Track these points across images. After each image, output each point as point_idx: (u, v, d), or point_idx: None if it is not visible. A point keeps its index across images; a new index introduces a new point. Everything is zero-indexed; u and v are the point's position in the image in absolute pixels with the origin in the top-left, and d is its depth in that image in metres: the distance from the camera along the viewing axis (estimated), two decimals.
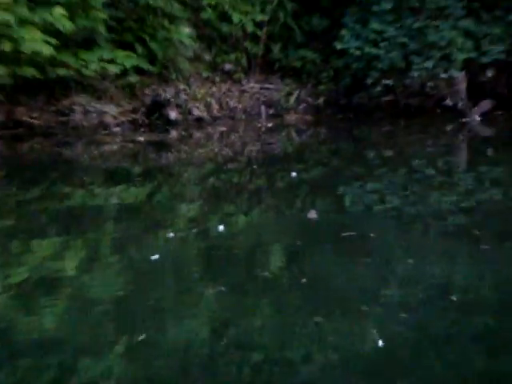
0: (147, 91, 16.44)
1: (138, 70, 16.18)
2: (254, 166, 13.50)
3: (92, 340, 6.36)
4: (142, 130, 15.95)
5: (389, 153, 14.17)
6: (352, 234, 8.71)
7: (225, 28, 17.06)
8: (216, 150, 14.89)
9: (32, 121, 15.66)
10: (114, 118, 16.01)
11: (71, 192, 11.71)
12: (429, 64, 16.14)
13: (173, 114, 16.27)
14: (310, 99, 17.63)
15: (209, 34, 17.34)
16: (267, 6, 17.09)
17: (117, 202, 11.22)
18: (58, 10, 14.42)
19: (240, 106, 17.20)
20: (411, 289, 7.54)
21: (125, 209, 10.83)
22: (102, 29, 15.50)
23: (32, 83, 15.23)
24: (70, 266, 8.36)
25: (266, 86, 17.66)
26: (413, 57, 16.24)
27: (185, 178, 13.00)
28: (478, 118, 16.47)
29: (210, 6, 16.87)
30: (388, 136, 15.60)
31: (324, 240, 8.99)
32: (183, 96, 16.53)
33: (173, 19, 16.38)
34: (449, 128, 16.00)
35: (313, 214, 9.62)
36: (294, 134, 16.06)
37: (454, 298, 7.00)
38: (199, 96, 16.68)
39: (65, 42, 14.97)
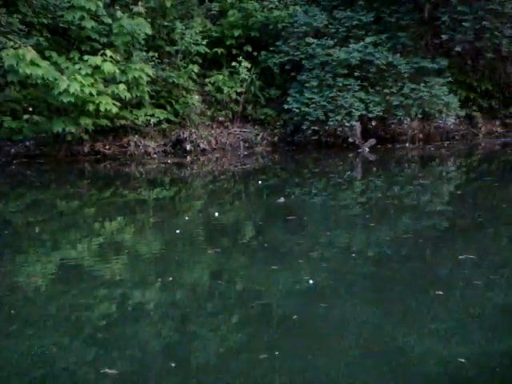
0: (173, 133, 16.83)
1: (168, 121, 16.61)
2: (237, 177, 14.44)
3: (143, 275, 7.37)
4: (170, 156, 16.38)
5: (315, 169, 14.69)
6: (294, 217, 9.77)
7: (219, 96, 17.40)
8: (213, 168, 15.66)
9: (105, 151, 16.11)
10: (153, 149, 16.37)
11: (128, 192, 12.68)
12: (338, 117, 16.61)
13: (188, 146, 16.67)
14: (269, 138, 17.87)
15: (209, 99, 17.68)
16: (244, 82, 17.42)
17: (155, 197, 12.25)
18: (122, 86, 14.99)
19: (228, 141, 17.48)
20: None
21: (159, 202, 11.81)
22: (146, 96, 16.02)
23: (105, 129, 15.72)
24: (129, 231, 9.45)
25: (244, 130, 17.84)
26: (329, 113, 16.68)
27: (194, 185, 13.92)
28: (367, 150, 16.96)
29: (209, 82, 17.51)
30: (315, 160, 16.06)
31: (276, 218, 10.05)
32: (194, 136, 16.87)
33: (188, 90, 16.88)
34: (350, 155, 16.45)
35: (281, 199, 10.73)
36: (260, 159, 16.48)
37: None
38: (203, 136, 17.05)
39: (125, 104, 15.51)
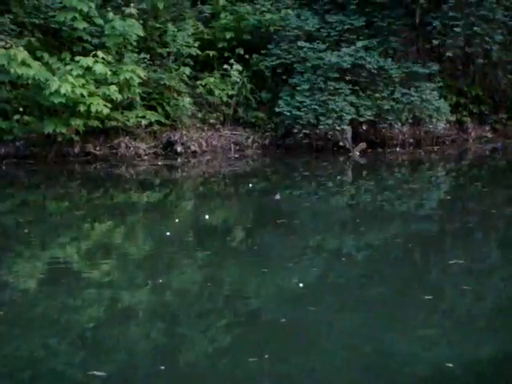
0: (164, 135, 16.65)
1: (159, 123, 16.41)
2: (227, 180, 14.48)
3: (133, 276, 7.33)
4: (161, 158, 16.21)
5: (306, 173, 14.61)
6: (284, 220, 9.79)
7: (210, 98, 17.24)
8: (204, 170, 15.63)
9: (95, 152, 15.88)
10: (144, 150, 16.18)
11: (118, 194, 12.67)
12: (329, 121, 16.49)
13: (179, 148, 16.42)
14: (260, 141, 17.73)
15: (200, 101, 17.50)
16: (235, 85, 17.32)
17: (145, 199, 12.24)
18: (113, 87, 14.78)
19: (219, 144, 17.32)
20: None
21: (149, 204, 11.81)
22: (137, 98, 15.88)
23: (96, 130, 15.52)
24: (119, 233, 9.45)
25: (235, 132, 17.68)
26: (320, 117, 16.56)
27: (185, 187, 13.93)
28: (357, 154, 16.88)
29: (201, 85, 17.41)
30: (305, 163, 15.99)
31: (267, 221, 10.08)
32: (185, 138, 16.65)
33: (179, 93, 16.70)
34: (341, 159, 16.45)
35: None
36: (250, 162, 16.46)
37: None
38: (194, 138, 16.88)
39: (116, 106, 15.32)
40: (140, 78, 15.47)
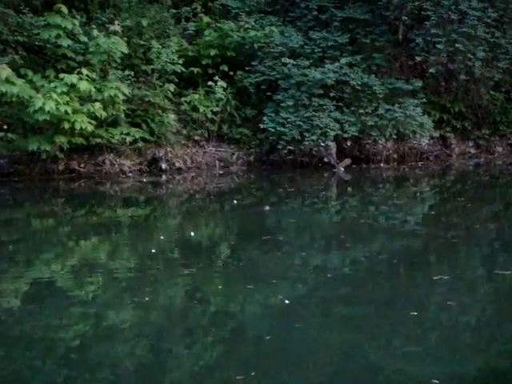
0: (148, 152, 16.62)
1: (143, 139, 16.38)
2: (212, 197, 14.46)
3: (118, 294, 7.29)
4: (145, 174, 16.18)
5: (291, 189, 14.66)
6: (269, 237, 9.79)
7: (195, 115, 17.26)
8: (189, 187, 15.59)
9: (80, 169, 15.86)
10: (129, 167, 16.16)
11: (103, 211, 12.64)
12: (314, 137, 16.57)
13: (163, 165, 16.41)
14: (244, 157, 17.75)
15: (185, 118, 17.51)
16: (220, 102, 17.35)
17: (130, 216, 12.20)
18: (97, 104, 14.83)
19: (203, 161, 17.34)
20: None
21: (134, 221, 11.77)
22: (122, 115, 15.89)
23: (80, 147, 15.52)
24: (104, 250, 9.40)
25: (219, 149, 17.71)
26: (305, 133, 16.65)
27: (170, 203, 13.91)
28: (342, 170, 16.97)
29: (185, 101, 17.40)
30: (290, 179, 16.07)
31: (252, 237, 10.05)
32: (169, 154, 16.69)
33: (164, 109, 16.71)
34: (326, 175, 16.52)
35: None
36: (235, 178, 16.43)
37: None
38: (179, 154, 16.91)
39: (100, 123, 15.36)
40: (124, 94, 15.54)
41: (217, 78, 17.42)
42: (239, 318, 6.18)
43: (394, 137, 17.65)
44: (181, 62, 17.18)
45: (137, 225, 11.31)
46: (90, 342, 5.63)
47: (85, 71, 14.95)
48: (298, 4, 19.22)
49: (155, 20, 18.09)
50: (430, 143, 18.56)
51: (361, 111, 17.30)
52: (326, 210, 12.68)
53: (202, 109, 17.25)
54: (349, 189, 15.43)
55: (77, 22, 15.79)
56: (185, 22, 19.16)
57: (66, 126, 14.55)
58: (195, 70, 17.80)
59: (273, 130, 16.93)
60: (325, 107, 17.06)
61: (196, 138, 17.59)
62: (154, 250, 8.73)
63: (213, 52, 18.06)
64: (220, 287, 7.18)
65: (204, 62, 18.11)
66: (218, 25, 18.57)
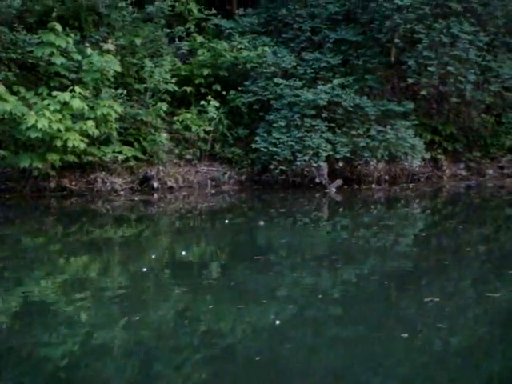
0: (140, 170, 16.69)
1: (135, 158, 16.48)
2: (203, 216, 14.44)
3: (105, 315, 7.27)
4: (137, 193, 16.19)
5: (282, 209, 14.62)
6: (260, 257, 9.77)
7: (187, 134, 17.37)
8: (180, 206, 15.63)
9: (71, 187, 15.90)
10: (120, 186, 16.18)
11: (94, 229, 12.60)
12: (306, 158, 16.62)
13: (155, 184, 16.42)
14: (236, 177, 17.78)
15: (177, 137, 17.62)
16: (212, 121, 17.43)
17: (121, 235, 12.19)
18: (90, 123, 14.87)
19: (195, 180, 17.36)
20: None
21: (125, 240, 11.75)
22: (114, 133, 15.96)
23: (72, 165, 15.60)
24: (95, 269, 9.35)
25: (211, 168, 17.74)
26: (296, 153, 16.69)
27: (161, 222, 13.88)
28: (333, 190, 16.93)
29: (178, 121, 17.47)
30: (282, 200, 15.97)
31: (243, 258, 10.03)
32: (161, 173, 16.73)
33: (156, 128, 16.80)
34: (317, 195, 16.41)
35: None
36: (227, 198, 16.43)
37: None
38: (171, 173, 16.95)
39: (93, 141, 15.42)
40: (117, 113, 15.59)
41: (209, 97, 17.49)
42: (229, 338, 6.16)
43: (386, 158, 17.66)
44: (174, 81, 17.25)
45: (128, 243, 11.28)
46: (78, 361, 5.60)
47: (78, 89, 15.00)
48: (291, 25, 19.34)
49: (149, 39, 18.16)
50: (421, 165, 18.56)
51: (353, 132, 17.34)
52: (317, 230, 12.66)
53: (194, 128, 17.33)
54: (340, 209, 15.45)
55: (70, 40, 15.83)
56: (178, 41, 19.21)
57: (59, 143, 14.58)
58: (188, 89, 17.87)
59: (265, 149, 16.98)
60: (317, 128, 17.12)
61: (188, 157, 17.64)
62: (145, 269, 8.70)
63: (206, 71, 18.14)
64: (211, 307, 7.15)
65: (197, 82, 18.19)
66: (212, 44, 18.69)
